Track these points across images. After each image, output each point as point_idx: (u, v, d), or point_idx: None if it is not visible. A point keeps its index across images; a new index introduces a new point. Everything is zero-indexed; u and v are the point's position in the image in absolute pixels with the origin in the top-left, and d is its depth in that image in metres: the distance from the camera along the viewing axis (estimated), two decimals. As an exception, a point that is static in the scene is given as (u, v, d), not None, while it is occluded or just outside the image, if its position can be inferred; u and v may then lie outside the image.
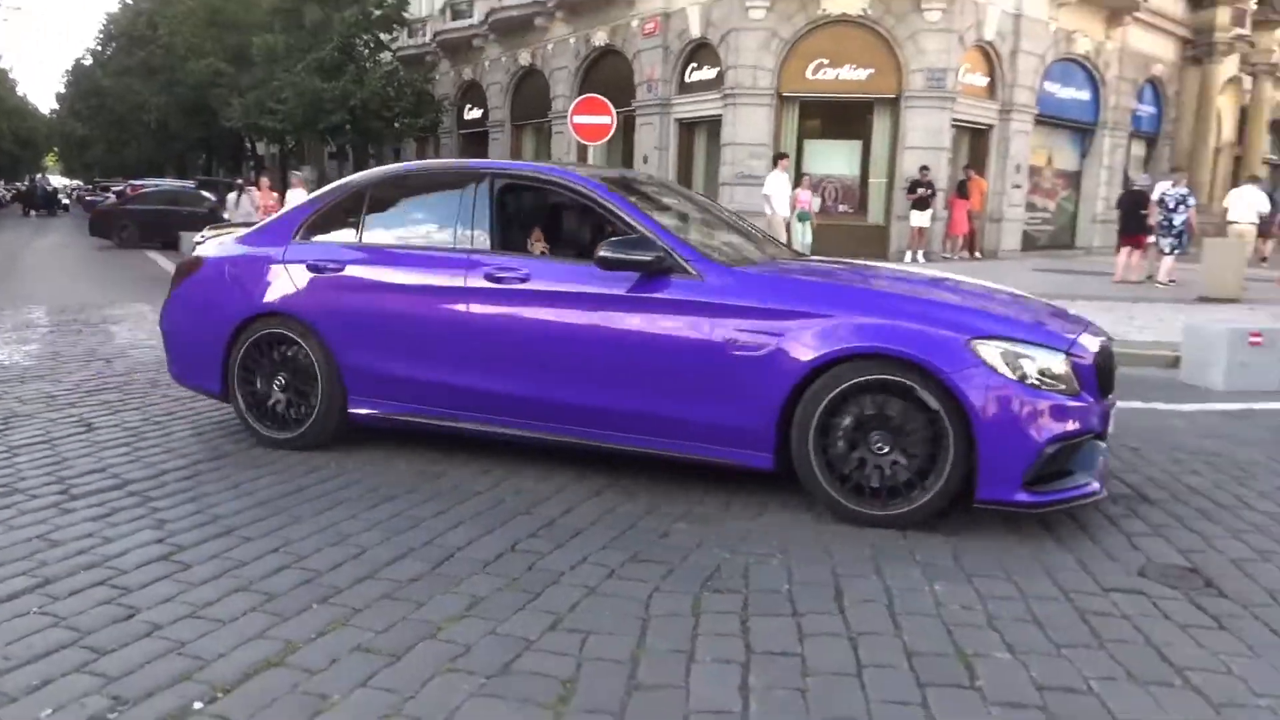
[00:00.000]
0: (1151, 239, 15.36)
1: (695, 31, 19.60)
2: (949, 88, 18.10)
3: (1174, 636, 2.92)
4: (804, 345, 3.86)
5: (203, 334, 5.08)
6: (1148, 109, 24.95)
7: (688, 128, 20.68)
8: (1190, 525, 3.98)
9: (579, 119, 13.53)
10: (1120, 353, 8.45)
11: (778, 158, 15.53)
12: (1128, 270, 15.25)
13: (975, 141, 20.11)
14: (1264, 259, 18.98)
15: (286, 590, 3.11)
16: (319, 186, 28.52)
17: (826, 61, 18.36)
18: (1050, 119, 21.50)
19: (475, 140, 28.64)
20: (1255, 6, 26.04)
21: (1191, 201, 14.63)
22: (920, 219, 17.96)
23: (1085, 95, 22.62)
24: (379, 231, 4.88)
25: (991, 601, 3.13)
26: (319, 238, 4.97)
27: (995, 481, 3.67)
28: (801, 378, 3.85)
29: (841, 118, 18.82)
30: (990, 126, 19.90)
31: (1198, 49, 25.08)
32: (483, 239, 4.58)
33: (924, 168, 17.90)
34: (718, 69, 19.20)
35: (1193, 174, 23.54)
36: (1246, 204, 15.71)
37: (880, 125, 18.75)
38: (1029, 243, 21.60)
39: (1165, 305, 12.18)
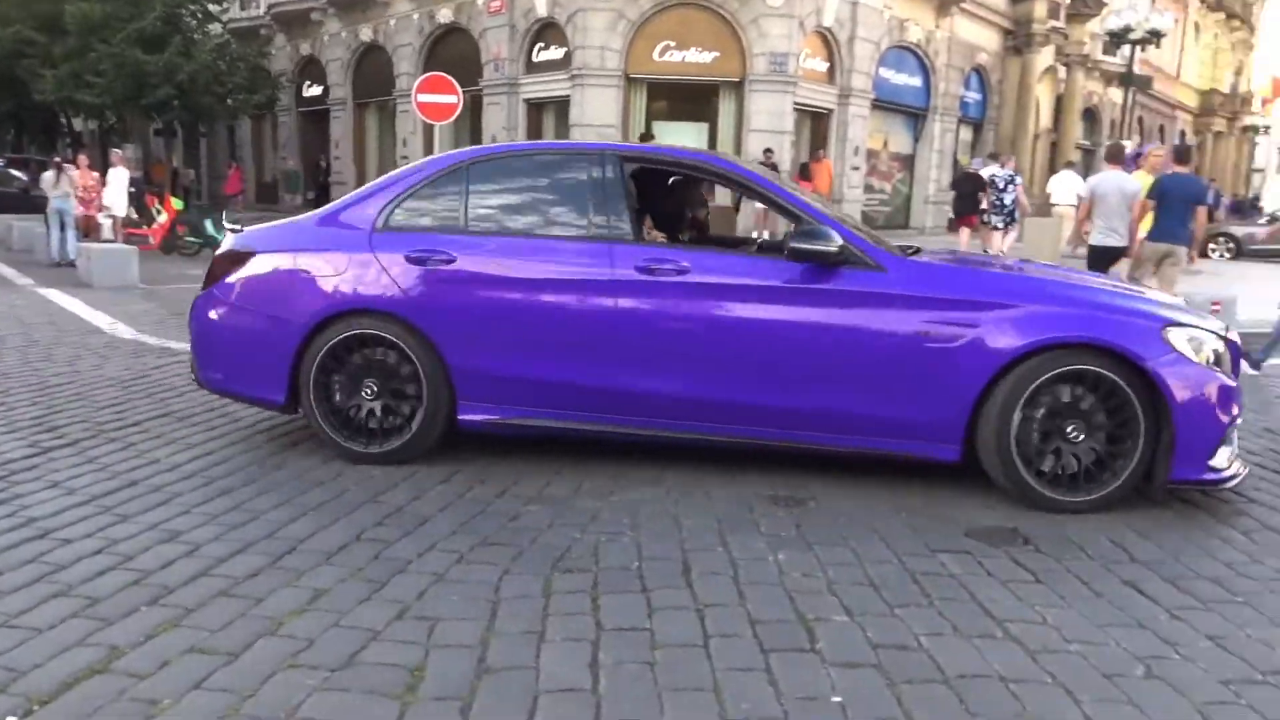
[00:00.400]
0: (986, 219, 16.29)
1: (542, 11, 19.44)
2: (791, 72, 18.60)
3: (996, 592, 3.11)
4: (1004, 336, 3.84)
5: (261, 336, 4.39)
6: (974, 96, 26.34)
7: (536, 108, 20.52)
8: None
9: (424, 98, 13.23)
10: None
11: (643, 139, 15.61)
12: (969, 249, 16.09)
13: (816, 125, 20.77)
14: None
15: (111, 593, 2.93)
16: (144, 165, 26.68)
17: (673, 44, 18.56)
18: (886, 104, 22.42)
19: (315, 119, 27.60)
20: (1069, 1, 27.82)
21: (1019, 180, 15.63)
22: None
23: (917, 82, 23.68)
24: (489, 218, 4.38)
25: (831, 568, 3.26)
26: (410, 224, 4.38)
27: (1189, 462, 3.80)
28: (1000, 369, 3.85)
29: (688, 100, 19.08)
30: (830, 110, 20.58)
31: (1018, 39, 26.60)
32: (621, 227, 4.23)
33: (768, 150, 18.35)
34: (565, 49, 19.12)
35: (1014, 158, 24.99)
36: (1066, 188, 16.81)
37: (726, 108, 19.11)
38: (868, 223, 22.45)
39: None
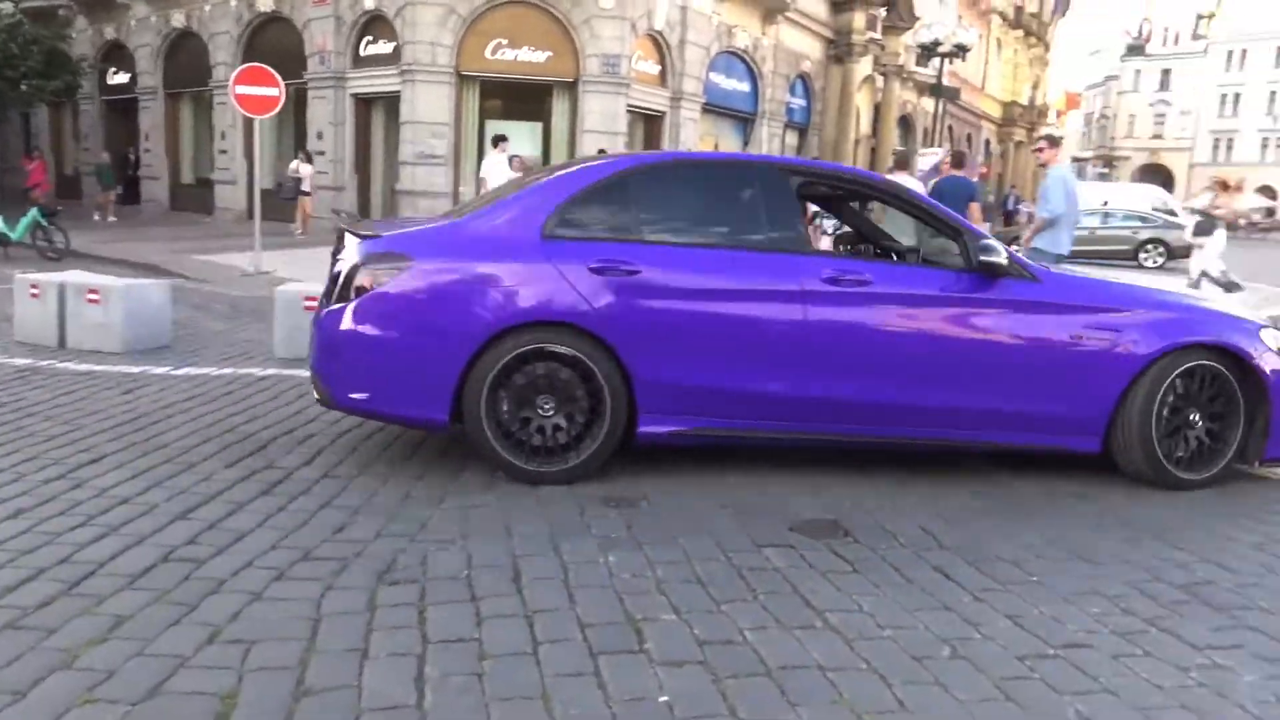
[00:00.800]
0: (817, 222, 16.97)
1: (369, 3, 18.88)
2: (623, 74, 18.77)
3: (817, 583, 3.23)
4: (1145, 339, 4.43)
5: (424, 351, 4.09)
6: (799, 102, 27.34)
7: (365, 103, 19.92)
8: (839, 481, 4.43)
9: (242, 89, 12.59)
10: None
11: (497, 140, 15.22)
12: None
13: (649, 127, 21.05)
14: None
15: (-124, 632, 2.65)
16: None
17: (505, 42, 18.40)
18: (716, 108, 22.97)
19: (122, 108, 25.85)
20: (885, 14, 29.28)
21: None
22: (600, 201, 18.49)
23: (745, 87, 24.38)
24: (664, 227, 4.38)
25: (660, 567, 3.30)
26: (579, 233, 4.23)
27: (1278, 443, 4.60)
28: (1142, 368, 4.41)
29: (522, 99, 18.96)
30: (662, 113, 20.90)
31: (839, 49, 27.79)
32: (798, 239, 4.44)
33: (601, 150, 18.43)
34: (394, 44, 18.64)
35: (837, 161, 26.11)
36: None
37: (560, 108, 19.10)
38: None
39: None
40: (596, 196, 4.35)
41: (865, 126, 31.21)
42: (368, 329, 4.11)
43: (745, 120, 24.77)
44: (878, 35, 28.95)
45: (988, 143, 46.27)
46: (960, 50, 23.53)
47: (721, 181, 4.59)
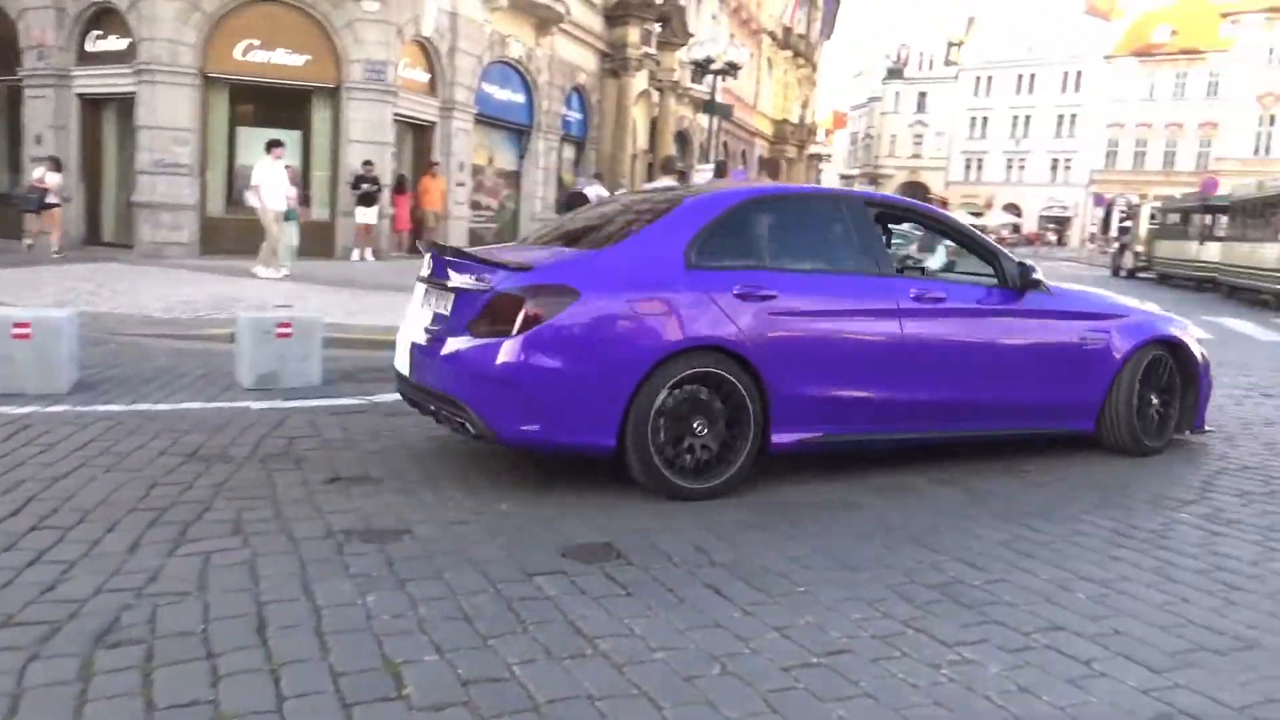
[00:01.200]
0: None
1: (97, -6, 17.52)
2: (390, 81, 18.36)
3: (589, 610, 3.23)
4: (1125, 337, 6.00)
5: (596, 380, 4.48)
6: (575, 115, 27.70)
7: (93, 105, 18.44)
8: (613, 501, 4.48)
9: (-61, 86, 11.34)
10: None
11: (272, 145, 14.42)
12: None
13: (419, 137, 20.68)
14: None
15: None
16: None
17: (258, 43, 17.55)
18: (490, 119, 22.88)
19: None
20: (659, 29, 30.21)
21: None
22: (366, 215, 17.98)
23: (520, 98, 24.43)
24: (783, 255, 5.13)
25: (424, 604, 3.20)
26: (715, 262, 4.82)
27: (1202, 416, 6.45)
28: (1126, 359, 5.97)
29: (279, 105, 18.13)
30: (433, 123, 20.60)
31: (614, 62, 28.41)
32: (888, 263, 5.45)
33: (367, 162, 17.96)
34: (129, 40, 17.37)
35: (614, 176, 26.63)
36: None
37: (321, 115, 18.42)
38: (476, 240, 22.79)
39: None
40: (722, 228, 4.97)
41: (642, 141, 32.04)
42: (541, 360, 4.43)
43: (521, 132, 24.84)
44: (653, 50, 29.81)
45: (761, 159, 48.59)
46: (732, 68, 24.65)
47: (813, 211, 5.50)
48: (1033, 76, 75.23)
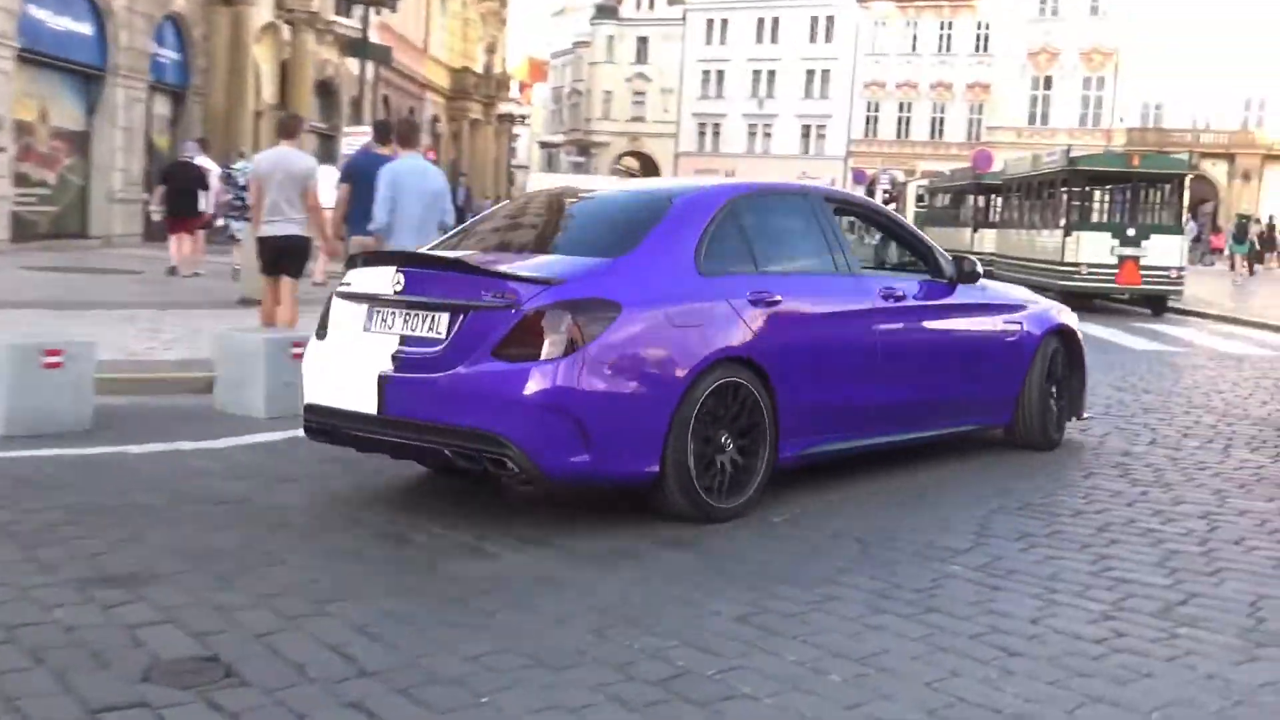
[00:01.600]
0: (220, 222, 16.79)
1: None
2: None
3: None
4: (1035, 327, 7.94)
5: (643, 401, 5.47)
6: (171, 55, 26.58)
7: None
8: (208, 599, 4.28)
9: None
10: (143, 379, 8.82)
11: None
12: (186, 262, 17.10)
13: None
14: None
15: None
16: None
17: None
18: (41, 57, 21.45)
19: None
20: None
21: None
22: None
23: (87, 29, 23.10)
24: (771, 257, 6.44)
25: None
26: (720, 267, 6.00)
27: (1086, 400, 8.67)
28: (1035, 349, 7.84)
29: None
30: (-50, 61, 19.05)
31: (225, -17, 27.50)
32: (852, 261, 6.87)
33: None
34: None
35: (231, 140, 25.72)
36: (330, 185, 17.84)
37: None
38: (24, 231, 21.23)
39: (204, 312, 13.07)
40: (719, 230, 6.12)
41: (270, 93, 31.19)
42: (592, 384, 5.30)
43: (90, 78, 23.45)
44: (279, -32, 29.17)
45: (435, 120, 48.71)
46: (389, -4, 24.43)
47: (781, 210, 6.83)
48: (776, 22, 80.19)
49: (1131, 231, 21.64)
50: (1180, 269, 21.71)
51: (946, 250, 7.66)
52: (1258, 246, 41.84)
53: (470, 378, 5.24)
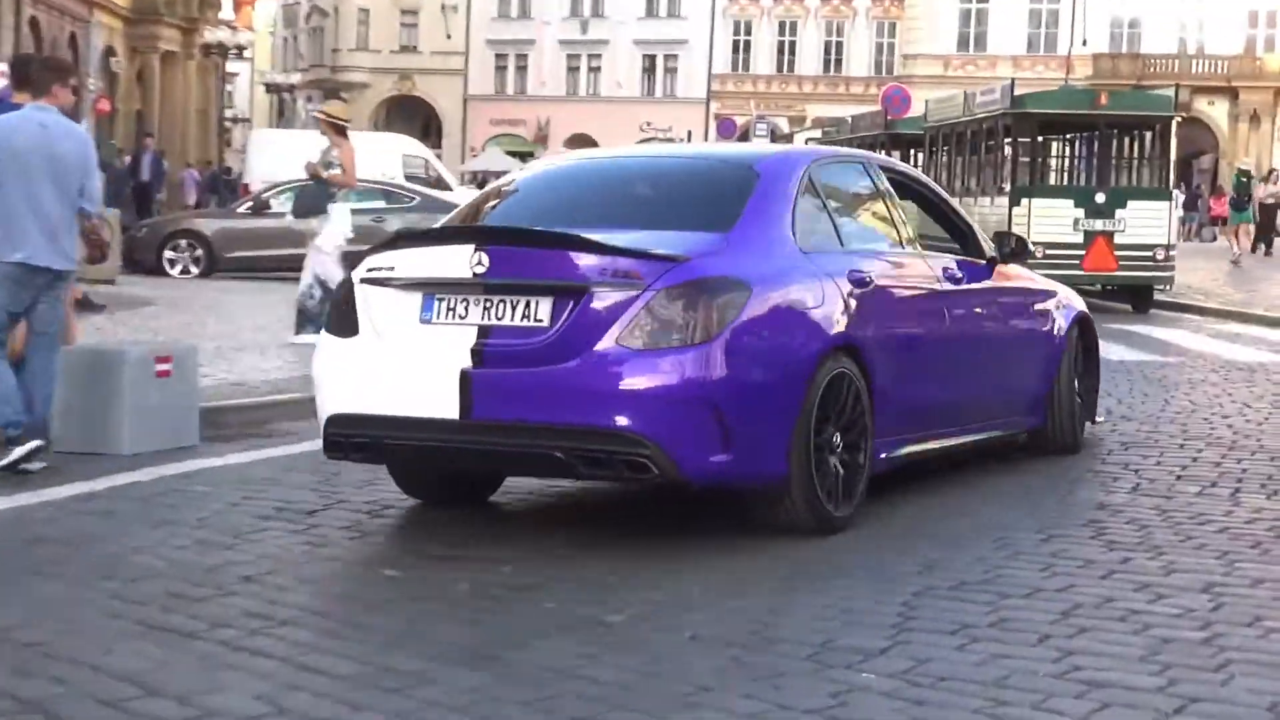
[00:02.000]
0: None
1: None
2: None
3: None
4: (1064, 315, 10.04)
5: (775, 392, 6.86)
6: None
7: None
8: None
9: None
10: None
11: None
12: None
13: None
14: None
15: None
16: None
17: None
18: None
19: None
20: None
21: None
22: None
23: None
24: (849, 232, 8.23)
25: None
26: (814, 244, 7.61)
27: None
28: (1065, 340, 9.86)
29: None
30: None
31: None
32: (911, 235, 8.88)
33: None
34: None
35: None
36: None
37: None
38: None
39: None
40: (803, 202, 7.58)
41: None
42: (733, 372, 6.55)
43: None
44: None
45: (109, 53, 47.71)
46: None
47: (859, 180, 8.74)
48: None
49: (1101, 198, 22.03)
50: (1169, 247, 22.15)
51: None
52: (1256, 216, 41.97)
53: (595, 369, 6.39)
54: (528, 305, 6.41)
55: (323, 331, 7.27)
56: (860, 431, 7.32)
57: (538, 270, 6.51)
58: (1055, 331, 9.83)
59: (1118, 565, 6.77)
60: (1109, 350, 16.86)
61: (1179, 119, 23.98)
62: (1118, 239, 21.48)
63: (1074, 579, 6.48)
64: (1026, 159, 22.79)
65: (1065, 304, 10.15)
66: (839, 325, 7.26)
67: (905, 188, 9.53)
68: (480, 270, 6.42)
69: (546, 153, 73.01)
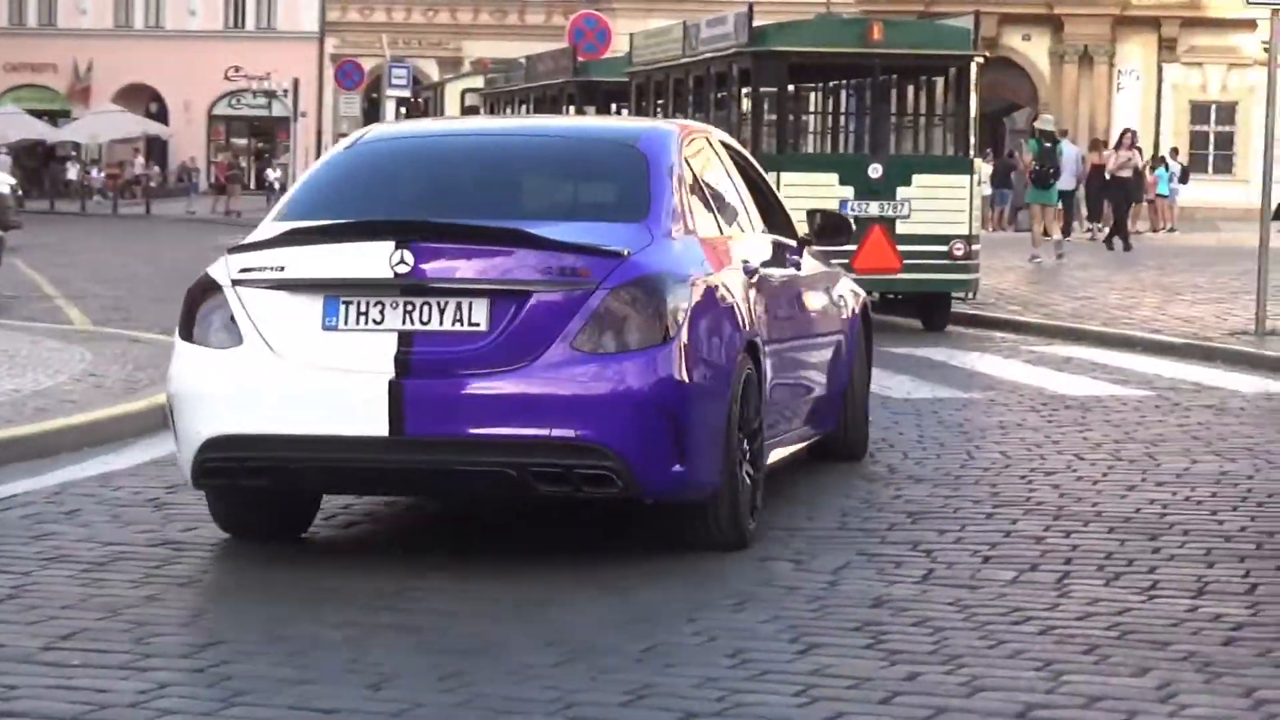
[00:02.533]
0: None
1: None
2: None
3: None
4: (853, 301, 12.17)
5: (717, 398, 8.47)
6: None
7: None
8: None
9: None
10: None
11: None
12: None
13: None
14: None
15: None
16: None
17: None
18: None
19: None
20: None
21: None
22: None
23: None
24: (720, 215, 9.81)
25: None
26: (706, 230, 9.29)
27: None
28: (857, 332, 12.29)
29: None
30: None
31: None
32: (756, 215, 10.75)
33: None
34: None
35: None
36: None
37: None
38: None
39: None
40: (685, 184, 8.97)
41: None
42: (689, 375, 8.12)
43: None
44: None
45: None
46: None
47: (711, 157, 10.00)
48: None
49: (877, 170, 22.48)
50: (971, 239, 22.58)
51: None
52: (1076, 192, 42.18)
53: (548, 376, 7.69)
54: (459, 307, 7.44)
55: (180, 342, 7.71)
56: (759, 437, 8.96)
57: (474, 268, 7.51)
58: (850, 321, 11.51)
59: (902, 684, 6.62)
60: (889, 384, 17.31)
61: (981, 59, 24.46)
62: (900, 228, 21.71)
63: (841, 706, 6.31)
64: (772, 117, 23.02)
65: (852, 288, 11.79)
66: (748, 321, 8.94)
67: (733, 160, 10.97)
68: (403, 270, 7.38)
69: (89, 112, 72.22)
